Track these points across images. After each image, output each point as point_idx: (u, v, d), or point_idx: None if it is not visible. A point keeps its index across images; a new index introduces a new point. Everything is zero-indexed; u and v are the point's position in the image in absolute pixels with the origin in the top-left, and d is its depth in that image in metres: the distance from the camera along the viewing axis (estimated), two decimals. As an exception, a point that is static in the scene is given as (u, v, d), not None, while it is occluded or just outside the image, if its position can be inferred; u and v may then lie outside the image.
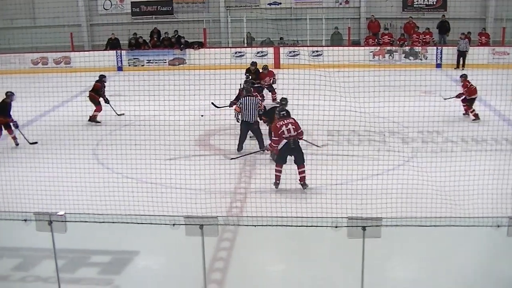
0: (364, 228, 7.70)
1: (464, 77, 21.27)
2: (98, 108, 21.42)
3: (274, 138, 14.55)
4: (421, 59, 33.00)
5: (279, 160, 14.63)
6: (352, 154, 16.58)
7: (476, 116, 20.62)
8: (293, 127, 14.47)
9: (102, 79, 21.98)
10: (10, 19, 35.96)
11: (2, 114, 18.55)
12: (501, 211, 11.81)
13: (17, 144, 18.62)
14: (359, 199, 12.78)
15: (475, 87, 20.63)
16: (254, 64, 23.29)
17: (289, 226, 8.47)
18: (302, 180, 14.33)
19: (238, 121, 17.51)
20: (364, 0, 36.07)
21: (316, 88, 14.46)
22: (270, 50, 33.65)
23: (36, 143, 18.40)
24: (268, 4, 36.09)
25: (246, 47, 34.34)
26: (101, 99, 21.53)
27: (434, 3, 35.84)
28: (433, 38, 34.55)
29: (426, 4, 36.06)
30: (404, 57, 33.45)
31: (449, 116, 16.34)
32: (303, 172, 14.35)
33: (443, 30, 34.59)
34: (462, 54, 32.88)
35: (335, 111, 15.10)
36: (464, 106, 21.17)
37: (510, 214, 8.31)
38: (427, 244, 10.64)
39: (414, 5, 36.01)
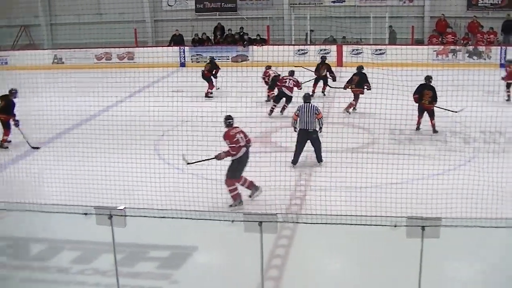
0: (423, 228, 7.68)
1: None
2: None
3: (233, 145, 13.53)
4: (484, 59, 32.51)
5: (235, 173, 13.70)
6: (413, 154, 16.48)
7: None
8: (243, 135, 13.83)
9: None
10: (77, 15, 36.54)
11: (5, 111, 18.76)
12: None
13: (5, 147, 18.84)
14: (418, 199, 12.69)
15: None
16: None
17: (347, 224, 8.49)
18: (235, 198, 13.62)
19: (295, 130, 16.33)
20: (429, -1, 35.77)
21: (379, 86, 14.40)
22: (333, 48, 33.54)
23: (38, 148, 18.31)
24: (332, 2, 36.01)
25: (309, 44, 34.32)
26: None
27: (499, 2, 35.26)
28: (497, 38, 34.03)
29: (491, 3, 35.50)
30: (468, 56, 33.01)
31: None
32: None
33: (507, 30, 34.03)
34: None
35: (398, 110, 15.00)
36: None
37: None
38: (487, 245, 10.57)
39: (479, 4, 35.48)
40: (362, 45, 33.39)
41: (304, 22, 34.67)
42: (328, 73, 25.11)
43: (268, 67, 24.57)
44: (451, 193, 12.67)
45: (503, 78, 23.68)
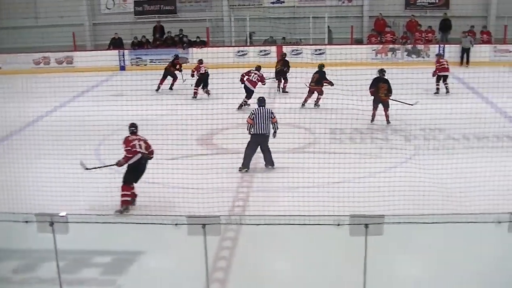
0: (366, 225, 7.69)
1: None
2: None
3: (128, 149, 13.43)
4: (423, 57, 32.92)
5: (130, 178, 13.55)
6: (355, 152, 16.58)
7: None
8: (145, 145, 13.70)
9: None
10: (13, 19, 35.90)
11: None
12: (503, 208, 11.79)
13: None
14: (361, 197, 12.76)
15: None
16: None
17: (291, 224, 8.47)
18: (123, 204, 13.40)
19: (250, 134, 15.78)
20: (368, -2, 36.08)
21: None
22: (273, 49, 33.58)
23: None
24: (271, 3, 36.07)
25: (249, 46, 34.31)
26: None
27: (437, 1, 35.76)
28: (435, 36, 34.51)
29: (428, 2, 35.98)
30: (407, 55, 33.39)
31: (451, 114, 16.30)
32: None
33: (445, 28, 34.57)
34: (465, 51, 32.93)
35: (338, 109, 15.10)
36: None
37: (511, 210, 8.31)
38: (430, 241, 10.65)
39: (417, 3, 35.92)
40: (301, 45, 33.47)
41: (243, 23, 34.63)
42: (286, 68, 25.95)
43: (200, 62, 24.83)
44: (393, 191, 12.78)
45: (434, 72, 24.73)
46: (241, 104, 22.32)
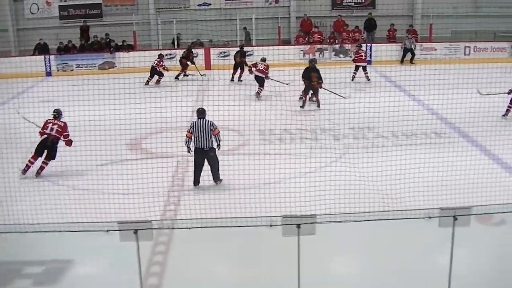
0: (298, 226, 7.73)
1: None
2: None
3: (41, 129, 16.12)
4: (351, 56, 33.21)
5: (36, 151, 15.90)
6: (285, 153, 16.63)
7: None
8: (58, 129, 16.20)
9: None
10: None
11: None
12: (432, 203, 11.98)
13: None
14: (293, 197, 12.81)
15: None
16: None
17: (224, 227, 8.46)
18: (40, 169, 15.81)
19: (189, 151, 15.19)
20: (294, -1, 36.30)
21: (248, 87, 14.49)
22: (200, 51, 33.49)
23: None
24: (198, 5, 35.98)
25: (176, 49, 34.13)
26: None
27: (363, 1, 36.27)
28: (362, 36, 34.96)
29: (355, 2, 36.45)
30: (334, 55, 33.76)
31: (379, 112, 16.51)
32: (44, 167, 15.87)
33: (370, 28, 35.09)
34: (408, 51, 33.74)
35: (267, 110, 15.13)
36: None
37: (441, 205, 8.46)
38: (362, 239, 10.75)
39: (343, 4, 36.39)
40: (229, 47, 33.48)
41: (170, 26, 34.48)
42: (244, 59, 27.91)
43: (161, 55, 27.26)
44: (324, 190, 12.86)
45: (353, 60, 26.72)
46: (257, 92, 23.89)
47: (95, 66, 33.70)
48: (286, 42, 35.65)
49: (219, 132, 14.97)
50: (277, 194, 12.94)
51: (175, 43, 34.74)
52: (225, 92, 16.65)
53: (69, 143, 16.03)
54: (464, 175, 13.96)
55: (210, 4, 36.11)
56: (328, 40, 34.40)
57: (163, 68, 27.94)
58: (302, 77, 21.24)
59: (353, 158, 15.77)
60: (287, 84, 19.96)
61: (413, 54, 33.80)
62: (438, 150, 15.93)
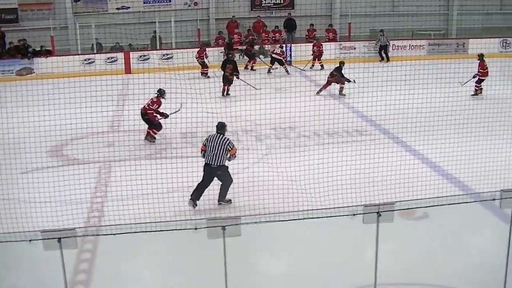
0: (223, 228, 7.74)
1: (481, 58, 24.94)
2: None
3: None
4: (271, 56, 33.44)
5: None
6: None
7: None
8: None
9: None
10: None
11: None
12: (356, 200, 12.18)
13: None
14: (216, 200, 12.85)
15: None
16: None
17: (148, 232, 8.43)
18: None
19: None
20: (213, 1, 36.21)
21: (167, 91, 14.42)
22: (120, 55, 33.17)
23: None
24: (116, 9, 35.62)
25: (96, 53, 33.73)
26: None
27: (282, 1, 36.51)
28: (282, 36, 35.18)
29: (274, 3, 36.65)
30: (255, 56, 33.80)
31: (300, 112, 16.69)
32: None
33: (290, 28, 35.34)
34: (383, 48, 34.70)
35: (188, 113, 15.10)
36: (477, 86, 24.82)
37: (364, 202, 8.62)
38: (288, 238, 10.87)
39: (262, 5, 36.53)
40: (149, 50, 33.28)
41: (89, 30, 34.04)
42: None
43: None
44: (247, 191, 12.93)
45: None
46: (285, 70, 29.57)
47: (13, 73, 33.01)
48: (206, 44, 35.57)
49: (236, 152, 13.71)
50: (201, 196, 12.95)
51: (94, 48, 34.30)
52: (146, 96, 16.61)
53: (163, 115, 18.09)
54: (387, 172, 14.24)
55: (129, 8, 35.80)
56: (245, 40, 34.45)
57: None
58: (220, 67, 23.58)
59: (276, 158, 15.86)
60: (257, 89, 20.02)
61: (386, 52, 34.77)
62: (360, 148, 16.18)
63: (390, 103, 16.55)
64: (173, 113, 17.93)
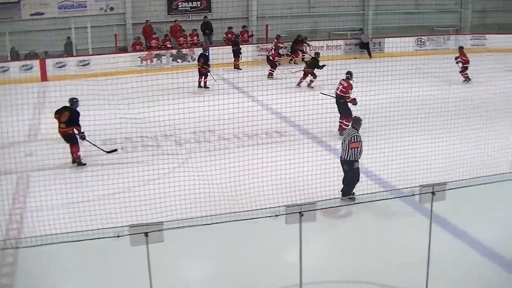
0: (146, 234, 7.67)
1: (461, 48, 28.44)
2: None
3: None
4: (189, 61, 33.33)
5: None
6: (127, 162, 16.48)
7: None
8: (343, 88, 18.46)
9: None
10: None
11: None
12: (278, 201, 12.24)
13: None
14: (139, 206, 12.75)
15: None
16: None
17: (69, 242, 8.29)
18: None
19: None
20: (129, 6, 35.83)
21: (85, 98, 14.26)
22: (36, 63, 32.48)
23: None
24: (30, 15, 34.91)
25: (10, 61, 32.97)
26: None
27: (199, 5, 36.38)
28: (199, 40, 35.12)
29: (190, 6, 36.51)
30: (172, 60, 33.63)
31: (219, 114, 16.70)
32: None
33: (207, 31, 35.28)
34: (365, 46, 35.87)
35: (105, 120, 14.96)
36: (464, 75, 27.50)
37: (286, 203, 8.66)
38: (212, 242, 10.89)
39: (179, 8, 36.34)
40: (65, 57, 32.76)
41: (3, 38, 33.28)
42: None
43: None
44: (169, 197, 12.89)
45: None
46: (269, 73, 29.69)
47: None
48: (123, 50, 35.23)
49: (357, 148, 13.66)
50: (122, 204, 12.83)
51: (9, 56, 33.49)
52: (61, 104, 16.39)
53: (353, 101, 18.89)
54: (308, 172, 14.36)
55: (43, 14, 35.14)
56: (162, 45, 34.27)
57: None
58: None
59: (197, 162, 15.83)
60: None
61: (368, 49, 35.76)
62: (281, 149, 16.26)
63: (309, 103, 16.70)
64: (109, 151, 17.54)
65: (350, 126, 14.39)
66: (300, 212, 7.81)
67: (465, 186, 8.58)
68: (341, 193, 13.86)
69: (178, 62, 33.20)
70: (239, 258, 11.13)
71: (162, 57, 33.64)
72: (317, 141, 17.85)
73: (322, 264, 11.09)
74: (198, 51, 32.82)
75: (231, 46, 33.34)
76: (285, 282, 9.72)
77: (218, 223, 8.54)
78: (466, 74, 27.72)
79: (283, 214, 7.84)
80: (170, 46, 34.36)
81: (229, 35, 35.20)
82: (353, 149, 13.57)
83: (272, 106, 20.56)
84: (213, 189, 14.00)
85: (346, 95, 18.94)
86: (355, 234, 12.24)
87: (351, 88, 19.06)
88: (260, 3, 36.49)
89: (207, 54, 29.40)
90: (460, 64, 27.66)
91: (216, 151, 17.16)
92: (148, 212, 12.20)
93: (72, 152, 16.96)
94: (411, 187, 8.88)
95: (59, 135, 16.99)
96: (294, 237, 7.98)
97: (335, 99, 19.42)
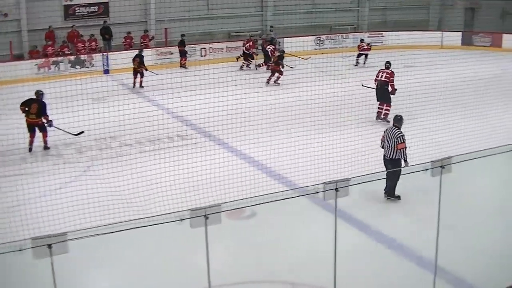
0: (50, 246, 7.49)
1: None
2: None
3: None
4: (88, 67, 32.87)
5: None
6: (26, 173, 16.09)
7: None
8: (387, 75, 21.10)
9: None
10: None
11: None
12: (182, 205, 12.18)
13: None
14: (41, 217, 12.49)
15: None
16: None
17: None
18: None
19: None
20: (24, 12, 34.92)
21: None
22: None
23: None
24: None
25: None
26: None
27: (97, 10, 35.85)
28: (98, 45, 34.64)
29: (88, 11, 35.93)
30: (71, 66, 33.01)
31: (120, 120, 16.57)
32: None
33: (107, 36, 34.82)
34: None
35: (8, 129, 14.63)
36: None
37: (191, 206, 8.61)
38: (117, 250, 10.78)
39: (76, 14, 35.70)
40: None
41: None
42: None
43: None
44: (72, 206, 12.69)
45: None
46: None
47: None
48: (19, 57, 34.38)
49: (405, 147, 14.00)
50: (23, 216, 12.53)
51: None
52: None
53: (393, 90, 21.05)
54: (212, 174, 14.39)
55: None
56: (59, 52, 33.62)
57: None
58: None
59: (99, 170, 15.63)
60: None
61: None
62: (184, 152, 16.23)
63: (209, 105, 16.74)
64: (76, 134, 18.16)
65: (392, 126, 14.49)
66: (205, 215, 7.77)
67: (367, 181, 8.72)
68: (385, 192, 14.03)
69: (76, 68, 32.66)
70: (147, 265, 11.04)
71: (60, 63, 32.97)
72: (219, 143, 17.88)
73: (230, 266, 11.12)
74: (98, 56, 32.49)
75: (177, 47, 34.10)
76: (194, 286, 9.68)
77: (123, 230, 8.43)
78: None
79: (188, 218, 7.79)
80: (69, 52, 33.73)
81: (128, 40, 34.87)
82: (401, 150, 13.86)
83: (173, 110, 20.46)
84: (116, 196, 13.83)
85: (391, 79, 21.22)
86: (262, 234, 12.33)
87: (394, 76, 21.32)
88: (158, 6, 36.19)
89: (142, 54, 29.53)
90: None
91: (118, 158, 16.96)
92: (51, 223, 11.94)
93: (44, 139, 18.66)
94: (315, 184, 8.95)
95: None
96: (201, 240, 7.94)
97: (375, 88, 21.62)
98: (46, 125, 18.36)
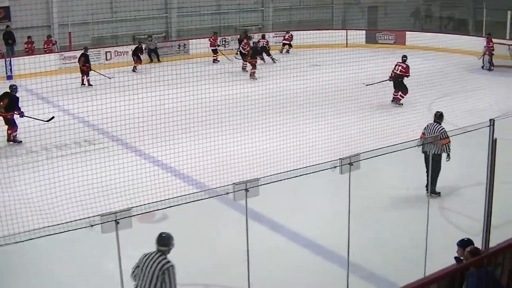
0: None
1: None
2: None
3: None
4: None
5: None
6: None
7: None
8: (402, 69, 23.15)
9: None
10: None
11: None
12: (93, 210, 12.02)
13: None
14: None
15: None
16: None
17: None
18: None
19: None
20: None
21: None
22: None
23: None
24: None
25: None
26: None
27: (-4, 14, 34.99)
28: (0, 51, 33.80)
29: (-15, 17, 35.02)
30: (-29, 72, 32.10)
31: (25, 127, 16.26)
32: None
33: (10, 41, 34.01)
34: (154, 51, 35.66)
35: None
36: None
37: (102, 212, 8.48)
38: (31, 259, 10.61)
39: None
40: None
41: None
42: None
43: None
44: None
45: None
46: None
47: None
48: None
49: (449, 142, 14.04)
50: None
51: None
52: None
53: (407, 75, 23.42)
54: (122, 178, 14.27)
55: None
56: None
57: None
58: None
59: (5, 178, 15.25)
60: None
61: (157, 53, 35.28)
62: (92, 157, 16.04)
63: (116, 109, 16.60)
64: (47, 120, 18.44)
65: (434, 122, 14.87)
66: (115, 220, 7.68)
67: (277, 181, 8.75)
68: (426, 189, 13.71)
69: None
70: (59, 272, 10.88)
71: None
72: (127, 146, 17.73)
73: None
74: (0, 62, 31.66)
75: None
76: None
77: (34, 238, 8.28)
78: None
79: (98, 224, 7.69)
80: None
81: (29, 45, 34.13)
82: (445, 145, 14.06)
83: (79, 115, 20.14)
84: (26, 204, 13.55)
85: (407, 74, 23.55)
86: (174, 237, 12.28)
87: (409, 71, 23.62)
88: (61, 10, 35.56)
89: (87, 53, 30.17)
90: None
91: (24, 165, 16.58)
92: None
93: (8, 133, 19.19)
94: (225, 185, 8.95)
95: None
96: (113, 245, 7.84)
97: (392, 79, 23.89)
98: (15, 119, 19.10)
